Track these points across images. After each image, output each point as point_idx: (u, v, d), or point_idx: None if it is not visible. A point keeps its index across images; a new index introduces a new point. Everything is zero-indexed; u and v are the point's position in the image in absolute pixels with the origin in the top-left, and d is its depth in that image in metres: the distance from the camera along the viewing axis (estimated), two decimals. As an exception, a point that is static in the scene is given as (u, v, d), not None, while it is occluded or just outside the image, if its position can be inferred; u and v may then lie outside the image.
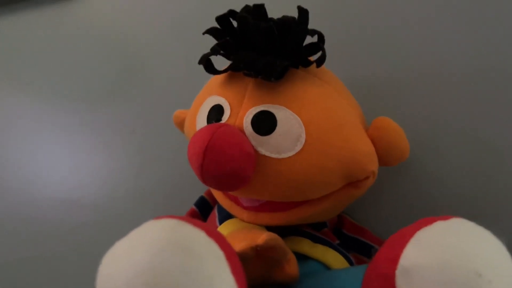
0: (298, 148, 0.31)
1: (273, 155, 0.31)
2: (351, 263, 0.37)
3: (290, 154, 0.31)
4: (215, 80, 0.37)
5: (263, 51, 0.32)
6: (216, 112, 0.34)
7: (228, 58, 0.33)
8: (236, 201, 0.37)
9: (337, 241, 0.39)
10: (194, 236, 0.21)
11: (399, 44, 0.43)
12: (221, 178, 0.30)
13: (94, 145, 0.58)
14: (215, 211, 0.40)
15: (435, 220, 0.26)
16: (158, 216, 0.42)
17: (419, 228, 0.26)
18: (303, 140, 0.31)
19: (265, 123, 0.32)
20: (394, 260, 0.25)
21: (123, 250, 0.20)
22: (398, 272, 0.24)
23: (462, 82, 0.41)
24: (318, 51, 0.33)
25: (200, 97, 0.37)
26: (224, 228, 0.35)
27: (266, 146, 0.31)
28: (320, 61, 0.32)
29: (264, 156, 0.31)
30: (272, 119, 0.32)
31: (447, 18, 0.42)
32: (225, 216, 0.38)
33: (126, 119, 0.56)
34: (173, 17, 0.54)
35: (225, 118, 0.33)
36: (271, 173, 0.31)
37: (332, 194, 0.34)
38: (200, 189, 0.50)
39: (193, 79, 0.52)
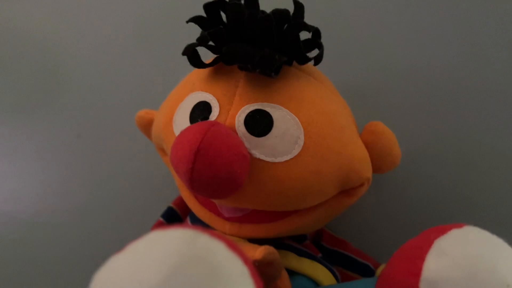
0: (296, 151, 0.28)
1: (268, 159, 0.28)
2: (336, 278, 0.34)
3: (287, 158, 0.28)
4: (197, 75, 0.33)
5: (257, 43, 0.29)
6: (201, 110, 0.30)
7: (214, 51, 0.30)
8: (215, 211, 0.33)
9: (320, 254, 0.36)
10: (216, 249, 0.17)
11: (387, 46, 0.43)
12: (214, 183, 0.26)
13: (31, 150, 0.50)
14: (189, 223, 0.36)
15: (449, 228, 0.25)
16: (156, 227, 0.37)
17: (435, 237, 0.24)
18: (301, 143, 0.28)
19: (260, 123, 0.28)
20: (416, 274, 0.23)
21: (126, 269, 0.16)
22: (421, 286, 0.22)
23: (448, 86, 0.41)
24: (315, 47, 0.30)
25: (177, 95, 0.33)
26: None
27: (261, 148, 0.28)
28: (319, 59, 0.30)
29: (259, 159, 0.28)
30: (268, 119, 0.29)
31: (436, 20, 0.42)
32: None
33: (70, 121, 0.50)
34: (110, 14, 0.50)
35: (213, 116, 0.29)
36: (265, 179, 0.28)
37: (323, 203, 0.31)
38: (163, 197, 0.45)
39: (141, 78, 0.49)
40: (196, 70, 0.34)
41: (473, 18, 0.41)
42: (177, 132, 0.31)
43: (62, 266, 0.47)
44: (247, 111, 0.29)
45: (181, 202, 0.38)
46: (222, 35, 0.29)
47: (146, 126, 0.38)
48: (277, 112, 0.29)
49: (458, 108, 0.41)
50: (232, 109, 0.29)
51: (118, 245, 0.47)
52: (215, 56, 0.30)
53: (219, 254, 0.17)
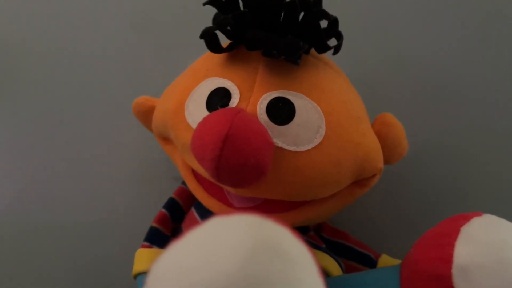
0: (318, 141, 0.28)
1: (290, 148, 0.28)
2: (342, 268, 0.35)
3: (309, 147, 0.28)
4: (209, 60, 0.32)
5: (279, 30, 0.28)
6: (220, 97, 0.29)
7: (231, 36, 0.29)
8: (226, 202, 0.32)
9: (323, 245, 0.36)
10: (282, 234, 0.16)
11: (393, 40, 0.43)
12: (241, 171, 0.25)
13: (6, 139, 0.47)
14: (194, 215, 0.34)
15: (471, 216, 0.25)
16: (159, 218, 0.35)
17: (460, 224, 0.25)
18: (323, 132, 0.28)
19: (282, 111, 0.28)
20: (447, 260, 0.23)
21: (198, 256, 0.15)
22: (454, 272, 0.23)
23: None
24: (333, 36, 0.30)
25: (187, 81, 0.32)
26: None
27: (283, 137, 0.28)
28: (338, 48, 0.30)
29: (281, 148, 0.28)
30: (290, 107, 0.28)
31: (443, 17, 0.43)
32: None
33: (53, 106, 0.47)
34: None
35: (233, 103, 0.28)
36: (287, 168, 0.28)
37: (336, 193, 0.31)
38: (157, 191, 0.44)
39: (130, 65, 0.47)
40: (207, 55, 0.33)
41: (482, 14, 0.43)
42: (190, 119, 0.30)
43: (47, 258, 0.44)
44: (269, 98, 0.28)
45: (182, 192, 0.37)
46: (246, 19, 0.28)
47: (145, 114, 0.36)
48: (298, 101, 0.28)
49: (461, 105, 0.43)
50: (253, 96, 0.28)
51: (102, 234, 0.45)
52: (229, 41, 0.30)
53: (286, 239, 0.16)
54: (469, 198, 0.43)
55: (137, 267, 0.32)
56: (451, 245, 0.23)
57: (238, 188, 0.29)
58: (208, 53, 0.33)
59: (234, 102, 0.28)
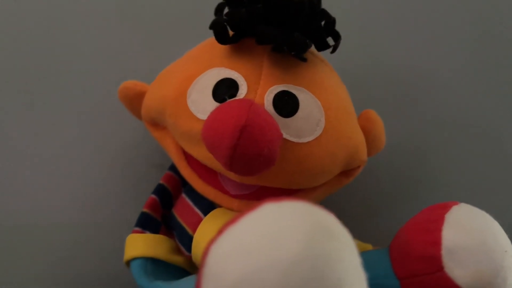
0: (317, 133, 0.30)
1: (293, 139, 0.29)
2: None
3: (309, 139, 0.30)
4: (213, 50, 0.32)
5: (285, 26, 0.30)
6: (228, 87, 0.30)
7: (237, 29, 0.30)
8: (221, 189, 0.33)
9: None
10: (333, 219, 0.18)
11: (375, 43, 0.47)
12: (255, 161, 0.26)
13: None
14: (187, 201, 0.35)
15: (450, 205, 0.29)
16: (149, 204, 0.35)
17: (443, 212, 0.28)
18: (322, 125, 0.30)
19: (288, 104, 0.29)
20: (436, 243, 0.26)
21: (260, 240, 0.16)
22: (443, 253, 0.26)
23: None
24: (330, 36, 0.32)
25: (188, 69, 0.32)
26: (218, 219, 0.31)
27: (287, 129, 0.29)
28: (336, 47, 0.32)
29: (285, 139, 0.29)
30: (294, 100, 0.30)
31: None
32: (207, 205, 0.33)
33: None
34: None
35: (241, 94, 0.29)
36: (289, 159, 0.29)
37: (325, 182, 0.34)
38: (134, 180, 0.44)
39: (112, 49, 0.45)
40: (207, 44, 0.33)
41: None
42: (194, 107, 0.30)
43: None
44: (275, 91, 0.30)
45: (170, 179, 0.37)
46: (258, 14, 0.29)
47: (134, 99, 0.36)
48: (302, 95, 0.30)
49: (428, 103, 0.47)
50: (259, 88, 0.30)
51: (81, 219, 0.43)
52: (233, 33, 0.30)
53: (335, 222, 0.18)
54: (433, 190, 0.48)
55: (131, 252, 0.32)
56: (438, 230, 0.27)
57: (245, 177, 0.30)
58: (209, 42, 0.33)
59: (242, 93, 0.29)
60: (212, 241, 0.18)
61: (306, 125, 0.30)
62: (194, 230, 0.32)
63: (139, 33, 0.45)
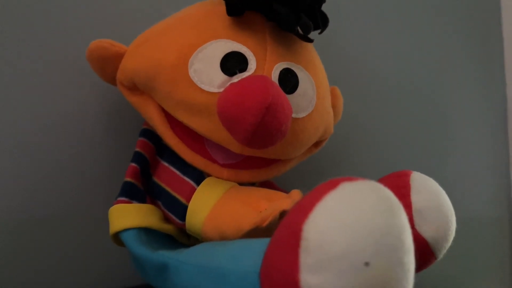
0: (310, 110, 0.33)
1: (293, 115, 0.32)
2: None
3: (303, 114, 0.33)
4: (213, 19, 0.32)
5: (289, 6, 0.31)
6: (237, 61, 0.30)
7: (249, 3, 0.30)
8: (210, 158, 0.33)
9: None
10: (392, 195, 0.21)
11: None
12: (274, 136, 0.28)
13: None
14: (172, 170, 0.34)
15: (410, 173, 0.35)
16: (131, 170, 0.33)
17: (408, 180, 0.34)
18: (314, 102, 0.33)
19: (290, 81, 0.31)
20: (408, 206, 0.32)
21: (352, 214, 0.19)
22: (414, 214, 0.32)
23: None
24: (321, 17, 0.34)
25: (190, 37, 0.31)
26: (213, 188, 0.32)
27: None
28: (323, 30, 0.34)
29: None
30: (295, 78, 0.32)
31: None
32: (198, 174, 0.33)
33: None
34: None
35: (250, 69, 0.30)
36: (289, 133, 0.32)
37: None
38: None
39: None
40: (205, 11, 0.33)
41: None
42: (197, 77, 0.30)
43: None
44: (280, 68, 0.31)
45: (145, 146, 0.36)
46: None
47: (108, 59, 0.33)
48: (300, 73, 0.32)
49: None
50: (266, 64, 0.31)
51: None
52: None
53: (395, 199, 0.21)
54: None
55: (122, 223, 0.31)
56: (408, 195, 0.33)
57: (253, 149, 0.30)
58: (204, 8, 0.33)
59: (251, 68, 0.30)
60: (291, 216, 0.20)
61: (303, 102, 0.32)
62: (188, 199, 0.32)
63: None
